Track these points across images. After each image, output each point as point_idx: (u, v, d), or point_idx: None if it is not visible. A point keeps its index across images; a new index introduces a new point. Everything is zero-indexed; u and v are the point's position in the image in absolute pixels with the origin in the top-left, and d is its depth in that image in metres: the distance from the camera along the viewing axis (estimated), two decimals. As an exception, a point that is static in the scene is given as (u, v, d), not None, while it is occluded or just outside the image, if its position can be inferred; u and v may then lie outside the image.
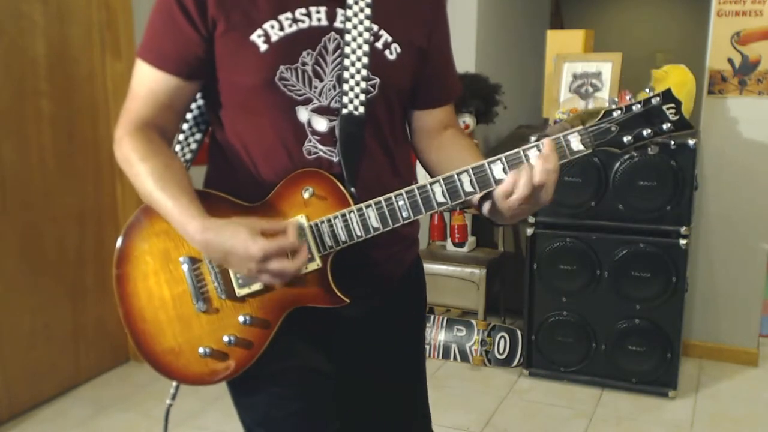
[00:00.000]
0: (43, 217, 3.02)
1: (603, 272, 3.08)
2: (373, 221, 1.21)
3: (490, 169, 1.19)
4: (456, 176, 1.20)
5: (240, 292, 1.24)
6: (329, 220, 1.22)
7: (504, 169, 1.18)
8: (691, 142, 2.87)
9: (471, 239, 3.74)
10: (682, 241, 2.94)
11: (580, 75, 3.22)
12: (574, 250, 3.10)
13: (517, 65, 4.54)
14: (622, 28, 7.49)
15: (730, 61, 3.24)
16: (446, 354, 3.50)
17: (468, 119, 3.48)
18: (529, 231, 3.16)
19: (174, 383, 1.37)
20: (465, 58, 3.76)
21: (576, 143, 1.18)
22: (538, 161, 1.15)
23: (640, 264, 3.02)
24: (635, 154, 1.19)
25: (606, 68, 3.18)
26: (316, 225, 1.22)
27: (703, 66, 3.31)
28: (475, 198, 1.22)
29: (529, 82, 4.50)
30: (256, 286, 1.24)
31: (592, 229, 3.07)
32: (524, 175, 1.15)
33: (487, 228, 3.88)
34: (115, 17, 3.18)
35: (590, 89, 3.19)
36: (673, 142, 1.16)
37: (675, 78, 2.90)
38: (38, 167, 2.97)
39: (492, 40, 4.09)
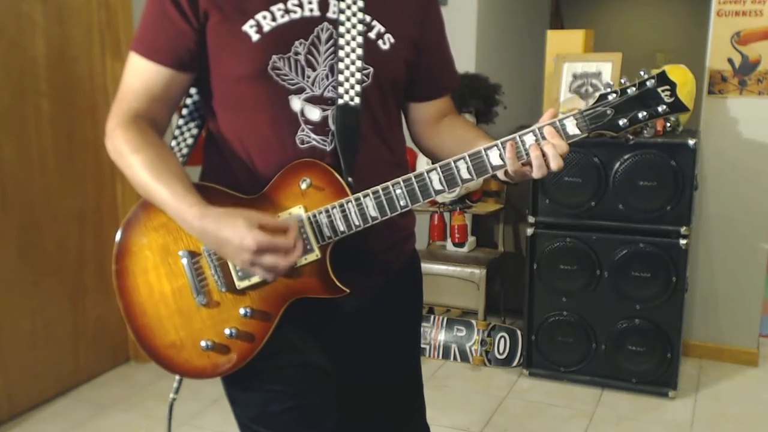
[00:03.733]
0: (43, 217, 3.02)
1: (603, 272, 3.08)
2: (371, 210, 1.22)
3: (487, 155, 1.20)
4: (453, 163, 1.20)
5: (240, 284, 1.24)
6: (327, 211, 1.22)
7: (501, 155, 1.19)
8: (691, 142, 2.86)
9: (471, 239, 3.74)
10: (682, 241, 2.94)
11: (580, 75, 3.22)
12: (574, 250, 3.10)
13: (517, 65, 4.55)
14: (622, 28, 7.49)
15: (730, 61, 3.25)
16: (446, 354, 3.50)
17: (468, 119, 3.48)
18: (529, 231, 3.16)
19: (177, 377, 1.37)
20: (465, 58, 3.77)
21: (572, 127, 1.19)
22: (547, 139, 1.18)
23: (640, 264, 3.02)
24: (629, 137, 1.20)
25: (606, 68, 3.18)
26: (314, 216, 1.22)
27: (703, 66, 3.31)
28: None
29: (529, 82, 4.50)
30: (256, 279, 1.24)
31: (592, 229, 3.07)
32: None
33: (487, 228, 3.88)
34: (115, 17, 3.19)
35: (590, 89, 3.19)
36: (668, 124, 1.17)
37: (675, 78, 2.90)
38: (38, 167, 2.98)
39: (492, 40, 4.10)
